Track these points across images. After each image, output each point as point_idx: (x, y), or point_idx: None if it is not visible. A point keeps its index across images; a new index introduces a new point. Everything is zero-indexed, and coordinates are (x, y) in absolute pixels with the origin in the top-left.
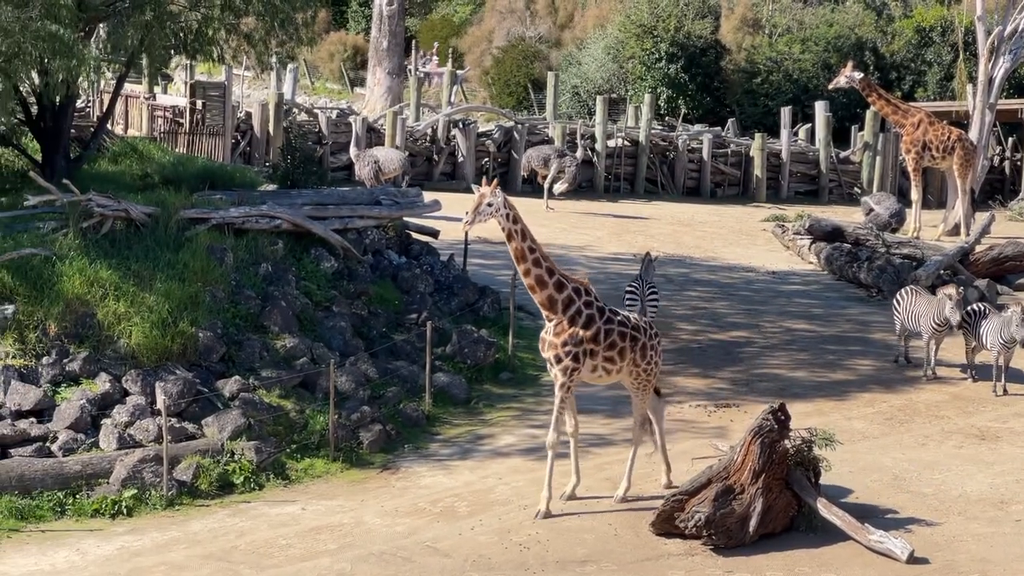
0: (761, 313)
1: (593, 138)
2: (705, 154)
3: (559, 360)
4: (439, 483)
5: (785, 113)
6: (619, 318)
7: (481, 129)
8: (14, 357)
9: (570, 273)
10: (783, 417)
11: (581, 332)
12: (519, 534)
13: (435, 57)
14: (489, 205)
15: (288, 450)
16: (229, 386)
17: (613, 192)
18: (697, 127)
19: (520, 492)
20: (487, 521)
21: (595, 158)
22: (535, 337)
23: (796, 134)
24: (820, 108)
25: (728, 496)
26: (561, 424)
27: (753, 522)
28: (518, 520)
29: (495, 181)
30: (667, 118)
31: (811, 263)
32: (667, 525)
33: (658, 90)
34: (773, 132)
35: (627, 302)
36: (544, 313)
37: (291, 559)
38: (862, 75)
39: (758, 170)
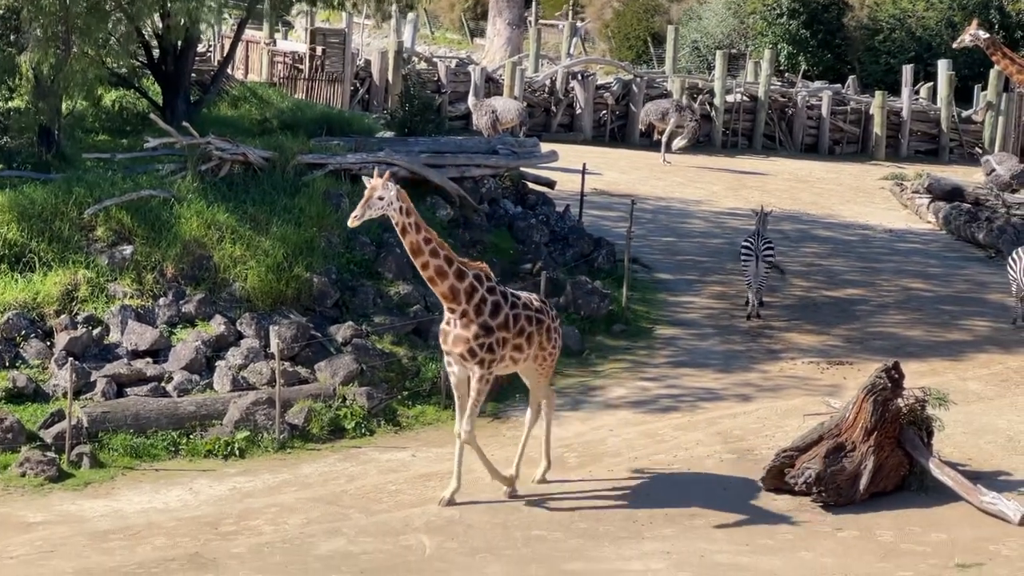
0: (877, 271)
1: (712, 93)
2: (824, 111)
3: (473, 354)
4: None
5: (907, 71)
6: (522, 301)
7: (600, 82)
8: (132, 297)
9: (468, 260)
10: (897, 375)
11: (491, 321)
12: (629, 486)
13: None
14: (380, 199)
15: (400, 397)
16: (342, 332)
17: (731, 147)
18: (817, 84)
19: (631, 444)
20: (597, 472)
21: (713, 113)
22: (649, 290)
23: (918, 92)
24: (943, 67)
25: (839, 453)
26: (474, 418)
27: (864, 480)
28: (628, 472)
29: (387, 173)
30: (787, 74)
31: (929, 222)
32: (777, 481)
33: (779, 46)
34: (894, 90)
35: (743, 257)
36: (446, 305)
37: (400, 505)
38: (987, 34)
39: (878, 128)
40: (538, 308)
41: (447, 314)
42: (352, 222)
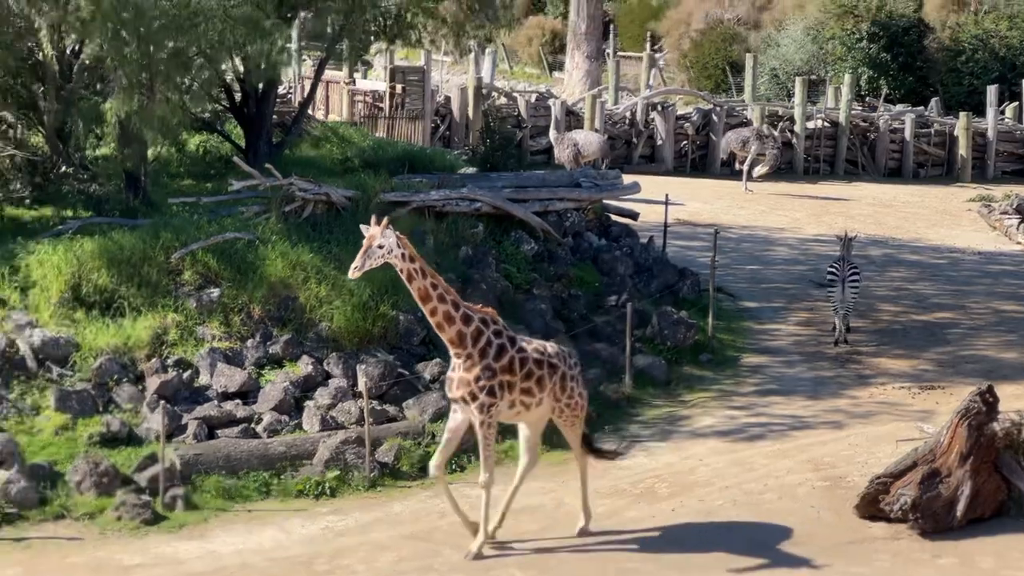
0: (967, 294)
1: (792, 120)
2: (908, 134)
3: (474, 397)
4: (639, 464)
5: (991, 91)
6: (532, 346)
7: (680, 112)
8: (220, 340)
9: (474, 304)
10: (991, 399)
11: (494, 364)
12: (721, 516)
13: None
14: (380, 247)
15: None
16: (430, 369)
17: (812, 174)
18: (899, 107)
19: (721, 473)
20: (688, 503)
21: (794, 140)
22: (735, 319)
23: (1003, 113)
24: None
25: (934, 479)
26: (491, 464)
27: (961, 506)
28: (719, 502)
29: (385, 220)
30: (868, 99)
31: (1019, 243)
32: (871, 508)
33: (859, 70)
34: (978, 111)
35: (829, 283)
36: (452, 351)
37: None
38: None
39: (963, 150)
40: (552, 354)
41: (453, 360)
42: (352, 274)
